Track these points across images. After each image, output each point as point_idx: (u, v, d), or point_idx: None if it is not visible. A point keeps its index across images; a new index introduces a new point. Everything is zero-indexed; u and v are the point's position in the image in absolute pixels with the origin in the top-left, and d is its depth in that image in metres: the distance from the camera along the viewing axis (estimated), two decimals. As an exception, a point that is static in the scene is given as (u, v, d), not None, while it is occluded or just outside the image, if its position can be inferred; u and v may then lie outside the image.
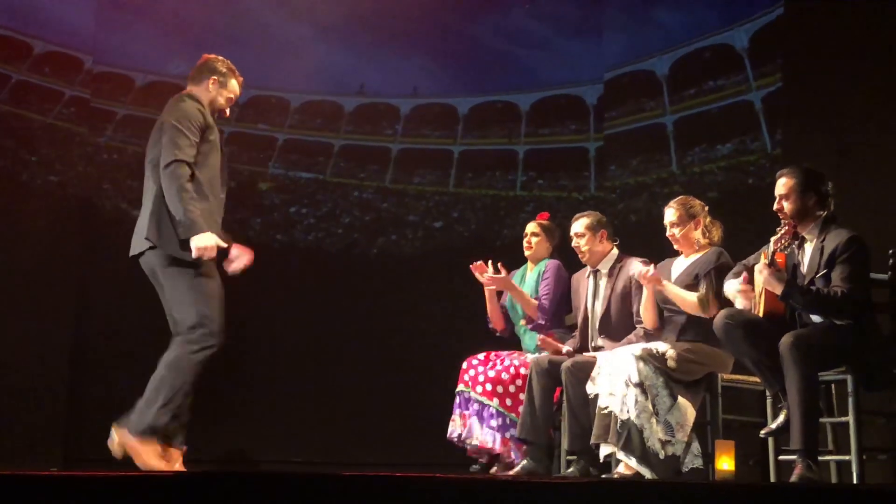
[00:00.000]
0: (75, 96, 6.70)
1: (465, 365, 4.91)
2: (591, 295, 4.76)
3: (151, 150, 3.99)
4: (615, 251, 4.79)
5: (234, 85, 4.12)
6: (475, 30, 7.22)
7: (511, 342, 5.21)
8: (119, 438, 3.73)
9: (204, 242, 3.77)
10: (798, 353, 3.65)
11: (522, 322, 5.05)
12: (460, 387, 4.86)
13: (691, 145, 6.65)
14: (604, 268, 4.76)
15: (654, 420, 4.08)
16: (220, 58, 4.12)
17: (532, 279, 5.05)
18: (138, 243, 3.91)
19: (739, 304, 3.93)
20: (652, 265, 4.39)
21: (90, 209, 6.63)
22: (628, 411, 4.08)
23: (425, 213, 7.09)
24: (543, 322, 4.91)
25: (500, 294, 5.15)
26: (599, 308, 4.69)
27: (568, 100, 7.13)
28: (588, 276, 4.82)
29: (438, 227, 7.13)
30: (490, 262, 5.01)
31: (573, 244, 4.80)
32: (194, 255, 3.77)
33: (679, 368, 4.15)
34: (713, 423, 4.22)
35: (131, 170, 6.85)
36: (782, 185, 3.92)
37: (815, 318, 3.85)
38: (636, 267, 4.52)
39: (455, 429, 4.78)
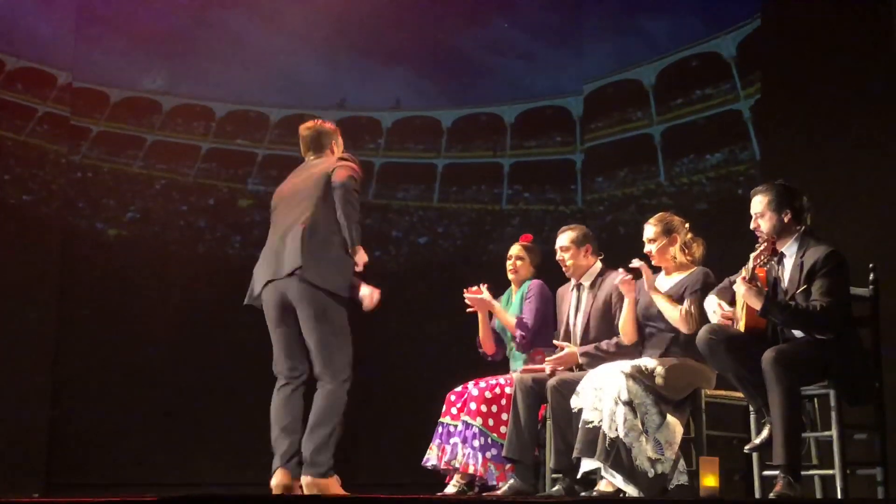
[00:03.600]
0: (49, 113, 6.84)
1: (453, 398, 5.04)
2: (574, 308, 4.93)
3: (309, 194, 4.38)
4: (599, 265, 4.95)
5: (342, 143, 4.65)
6: (458, 42, 7.38)
7: (496, 368, 5.31)
8: (306, 484, 4.22)
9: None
10: (780, 368, 3.80)
11: (513, 344, 5.21)
12: (446, 419, 5.00)
13: (679, 156, 6.81)
14: (586, 281, 4.92)
15: (643, 438, 4.23)
16: (320, 121, 4.64)
17: (517, 301, 5.21)
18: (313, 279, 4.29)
19: (715, 322, 4.13)
20: (630, 275, 4.55)
21: (65, 228, 6.76)
22: (617, 429, 4.23)
23: (409, 228, 7.23)
24: (524, 340, 5.06)
25: (491, 316, 5.29)
26: (581, 322, 4.86)
27: (553, 111, 7.29)
28: (572, 290, 4.99)
29: (423, 243, 7.26)
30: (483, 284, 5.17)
31: (557, 257, 4.97)
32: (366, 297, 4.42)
33: (667, 385, 4.31)
34: (698, 439, 4.37)
35: (107, 188, 7.00)
36: (757, 202, 4.08)
37: (797, 333, 4.02)
38: (617, 278, 4.68)
39: (430, 458, 4.94)
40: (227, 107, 7.24)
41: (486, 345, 5.27)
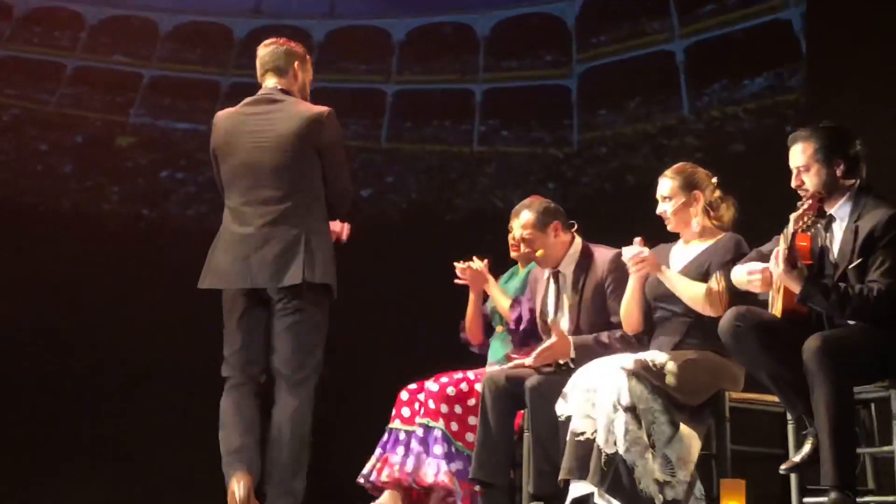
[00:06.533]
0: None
1: (405, 396, 5.22)
2: (553, 304, 5.05)
3: (284, 167, 4.54)
4: (578, 242, 5.06)
5: (310, 66, 4.81)
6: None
7: (470, 361, 5.46)
8: None
9: None
10: (828, 361, 3.92)
11: (499, 328, 5.37)
12: (395, 423, 5.18)
13: (709, 81, 6.94)
14: (567, 268, 5.02)
15: (649, 455, 4.39)
16: (282, 39, 4.78)
17: (520, 279, 5.37)
18: (279, 278, 4.47)
19: (754, 288, 4.26)
20: (643, 250, 4.69)
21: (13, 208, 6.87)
22: (616, 443, 4.38)
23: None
24: (518, 327, 5.21)
25: (485, 298, 5.40)
26: (566, 324, 4.95)
27: (541, 20, 7.36)
28: (548, 278, 5.10)
29: (366, 197, 7.35)
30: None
31: (521, 249, 5.08)
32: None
33: (681, 386, 4.47)
34: (720, 456, 4.52)
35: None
36: (798, 152, 4.20)
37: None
38: (626, 251, 4.78)
39: (367, 471, 5.11)
40: (101, 11, 7.28)
41: (472, 331, 5.41)
